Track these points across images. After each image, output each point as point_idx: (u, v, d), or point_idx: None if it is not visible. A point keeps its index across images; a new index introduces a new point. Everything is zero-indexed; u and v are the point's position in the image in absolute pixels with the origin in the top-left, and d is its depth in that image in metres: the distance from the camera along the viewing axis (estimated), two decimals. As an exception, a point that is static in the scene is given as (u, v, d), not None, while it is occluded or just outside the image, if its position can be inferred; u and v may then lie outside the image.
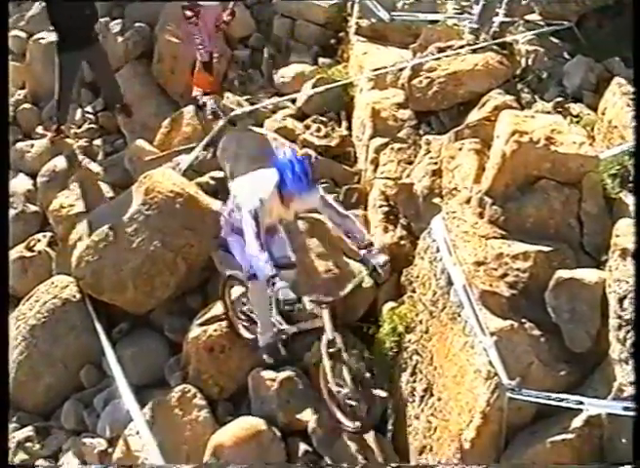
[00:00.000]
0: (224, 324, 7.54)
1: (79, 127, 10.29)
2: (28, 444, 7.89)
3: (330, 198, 7.08)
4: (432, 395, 6.58)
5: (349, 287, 7.05)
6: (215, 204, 8.18)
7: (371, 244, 6.91)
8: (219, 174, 8.56)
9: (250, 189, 6.90)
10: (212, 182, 8.54)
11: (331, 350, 6.79)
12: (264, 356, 7.32)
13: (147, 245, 7.97)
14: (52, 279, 8.40)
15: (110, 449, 7.63)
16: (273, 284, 6.57)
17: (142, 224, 8.04)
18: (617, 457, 5.73)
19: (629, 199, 6.59)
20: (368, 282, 7.24)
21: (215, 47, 9.49)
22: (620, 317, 5.77)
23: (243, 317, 7.53)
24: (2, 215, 6.58)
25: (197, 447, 7.27)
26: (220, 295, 7.59)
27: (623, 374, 5.68)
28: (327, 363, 6.83)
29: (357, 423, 6.81)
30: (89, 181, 9.18)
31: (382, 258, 6.85)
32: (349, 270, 7.60)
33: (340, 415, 6.88)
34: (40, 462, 7.69)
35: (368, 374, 6.83)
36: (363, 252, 6.88)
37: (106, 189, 9.24)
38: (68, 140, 9.98)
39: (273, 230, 7.06)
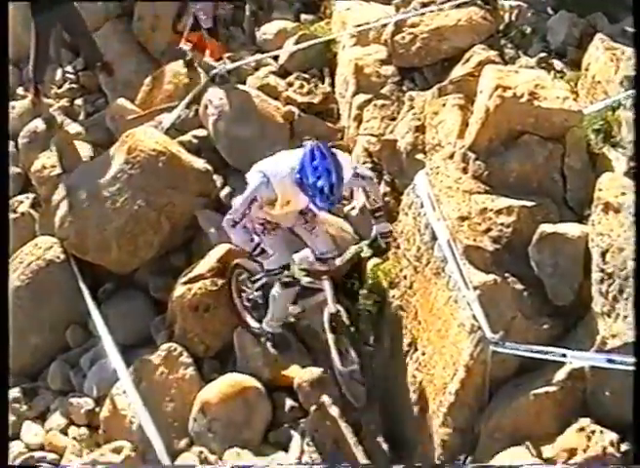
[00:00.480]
0: (209, 282, 7.54)
1: (60, 87, 10.20)
2: (16, 405, 7.91)
3: (360, 169, 6.89)
4: (416, 349, 6.61)
5: (347, 255, 6.91)
6: (197, 162, 8.16)
7: (379, 209, 6.82)
8: (201, 132, 8.52)
9: (263, 164, 6.70)
10: (194, 141, 8.49)
11: (334, 323, 6.72)
12: (269, 345, 7.28)
13: (131, 204, 7.95)
14: (35, 240, 8.39)
15: (97, 409, 7.69)
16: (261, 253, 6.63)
17: (125, 184, 8.01)
18: (599, 411, 5.78)
19: (612, 154, 6.60)
20: (367, 252, 6.99)
21: (215, 10, 9.30)
22: (602, 270, 5.78)
23: (248, 304, 7.47)
24: (2, 213, 6.57)
25: (184, 404, 7.33)
26: (227, 282, 7.53)
27: (606, 328, 5.71)
28: (330, 337, 6.78)
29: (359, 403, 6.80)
30: (68, 142, 9.11)
31: (385, 227, 6.80)
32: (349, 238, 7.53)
33: (349, 395, 6.85)
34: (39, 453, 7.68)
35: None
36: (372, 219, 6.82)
37: (88, 149, 9.17)
38: (49, 101, 9.90)
39: (303, 215, 6.96)
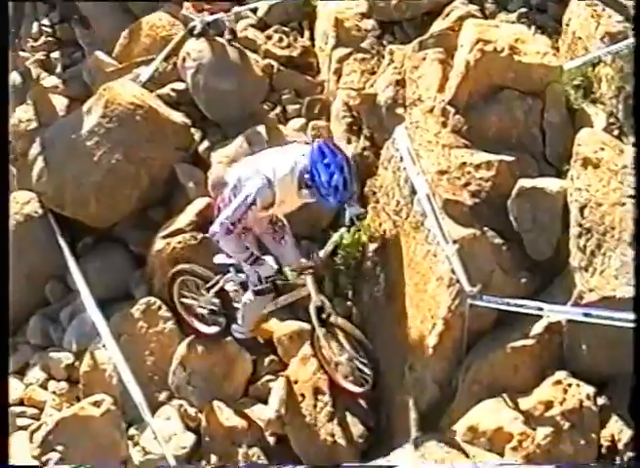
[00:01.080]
0: (188, 236, 7.51)
1: (36, 40, 10.03)
2: (-6, 359, 7.90)
3: None
4: (395, 303, 6.65)
5: (329, 247, 6.77)
6: (176, 116, 8.09)
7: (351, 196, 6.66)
8: (179, 85, 8.41)
9: (258, 164, 6.44)
10: (172, 94, 8.37)
11: (322, 316, 6.60)
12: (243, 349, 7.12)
13: (109, 158, 7.87)
14: (13, 195, 8.30)
15: (77, 363, 7.67)
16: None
17: (103, 137, 7.92)
18: (576, 364, 5.86)
19: (592, 109, 6.61)
20: (347, 237, 6.96)
21: None
22: (580, 225, 5.83)
23: (202, 312, 7.19)
24: (2, 211, 6.52)
25: (163, 358, 7.35)
26: (167, 290, 7.29)
27: (583, 282, 5.76)
28: (320, 331, 6.66)
29: (366, 387, 6.71)
30: (44, 96, 9.00)
31: (358, 210, 6.75)
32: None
33: (345, 384, 6.80)
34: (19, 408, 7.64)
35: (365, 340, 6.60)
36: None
37: (65, 103, 9.05)
38: (25, 54, 9.76)
39: (273, 224, 6.78)
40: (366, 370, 6.57)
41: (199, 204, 7.67)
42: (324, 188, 6.20)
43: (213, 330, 7.17)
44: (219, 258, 6.81)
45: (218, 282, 6.89)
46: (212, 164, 7.83)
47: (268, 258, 6.65)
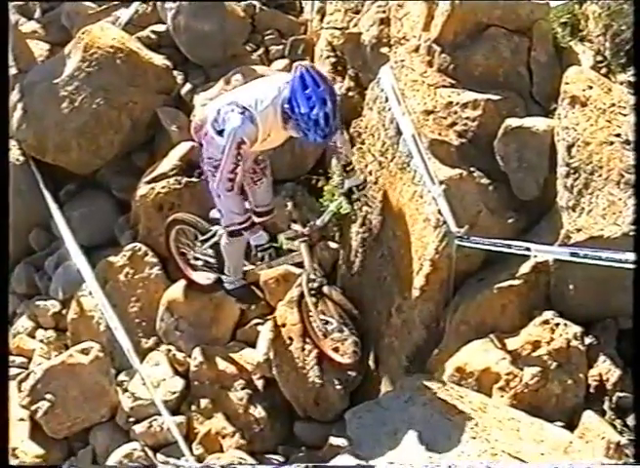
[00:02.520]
0: (172, 180, 7.44)
1: (13, -17, 9.83)
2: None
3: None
4: (382, 245, 6.62)
5: (326, 216, 6.59)
6: (157, 58, 7.96)
7: (350, 163, 6.49)
8: (160, 27, 8.27)
9: (239, 95, 6.07)
10: (153, 36, 8.24)
11: (312, 285, 6.50)
12: (235, 301, 6.97)
13: (89, 103, 7.76)
14: (-7, 142, 8.20)
15: (64, 311, 7.68)
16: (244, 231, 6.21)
17: (83, 82, 7.81)
18: (563, 304, 5.85)
19: (579, 47, 6.51)
20: (346, 208, 6.69)
21: None
22: (568, 165, 5.76)
23: (197, 263, 7.07)
24: (2, 209, 6.42)
25: (150, 304, 7.36)
26: (164, 239, 7.19)
27: (570, 222, 5.72)
28: (309, 300, 6.56)
29: (351, 359, 6.68)
30: (23, 42, 8.82)
31: (359, 180, 6.54)
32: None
33: (333, 355, 6.70)
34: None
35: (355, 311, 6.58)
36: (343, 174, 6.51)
37: (44, 48, 8.89)
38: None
39: (256, 165, 6.51)
40: (354, 341, 6.54)
41: (183, 148, 7.58)
42: (303, 122, 5.83)
43: (206, 281, 7.10)
44: (215, 213, 6.66)
45: (214, 235, 6.75)
46: (195, 107, 7.71)
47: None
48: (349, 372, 6.70)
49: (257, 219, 6.44)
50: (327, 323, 6.63)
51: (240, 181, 6.09)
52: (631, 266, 5.20)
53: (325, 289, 6.54)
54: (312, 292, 6.53)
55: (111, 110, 7.78)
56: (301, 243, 6.44)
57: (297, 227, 6.52)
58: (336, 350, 6.72)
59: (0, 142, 6.50)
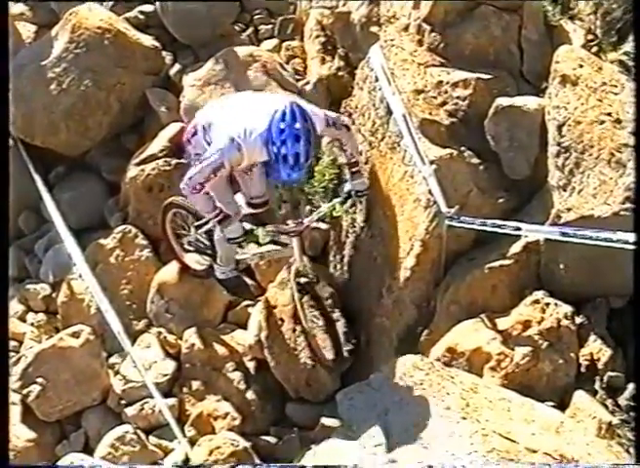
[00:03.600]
0: (161, 162, 7.40)
1: (0, -34, 9.72)
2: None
3: (332, 116, 6.18)
4: (372, 225, 6.60)
5: (316, 215, 6.44)
6: (145, 39, 7.89)
7: (356, 163, 6.28)
8: (148, 7, 8.17)
9: (230, 120, 5.92)
10: (141, 17, 8.15)
11: (301, 280, 6.38)
12: (223, 288, 6.92)
13: (78, 85, 7.71)
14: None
15: (54, 294, 7.64)
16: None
17: (71, 64, 7.75)
18: (554, 284, 5.84)
19: (570, 26, 6.47)
20: (339, 210, 6.54)
21: None
22: (559, 144, 5.74)
23: (191, 248, 6.98)
24: (2, 216, 6.37)
25: (141, 286, 7.34)
26: (160, 222, 7.09)
27: (561, 201, 5.70)
28: (297, 296, 6.41)
29: (334, 356, 6.53)
30: (10, 24, 8.71)
31: (362, 185, 6.29)
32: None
33: (319, 352, 6.56)
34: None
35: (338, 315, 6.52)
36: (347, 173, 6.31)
37: (33, 30, 8.78)
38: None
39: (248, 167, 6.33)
40: (342, 341, 6.49)
41: (172, 129, 7.55)
42: (274, 155, 5.67)
43: (198, 266, 7.05)
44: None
45: (208, 222, 6.52)
46: (184, 87, 7.64)
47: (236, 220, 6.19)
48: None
49: (251, 211, 6.41)
50: (313, 320, 6.53)
51: (207, 189, 5.99)
52: (629, 247, 5.19)
53: (318, 288, 6.45)
54: (299, 287, 6.40)
55: (99, 92, 7.72)
56: (292, 237, 6.34)
57: (286, 226, 6.35)
58: (323, 347, 6.58)
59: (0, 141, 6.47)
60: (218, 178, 5.93)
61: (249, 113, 5.92)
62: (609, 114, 5.57)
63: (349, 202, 6.46)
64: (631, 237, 5.18)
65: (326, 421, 6.23)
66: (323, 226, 7.08)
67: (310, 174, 6.81)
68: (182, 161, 7.36)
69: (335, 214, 6.63)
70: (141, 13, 8.20)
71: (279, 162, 5.67)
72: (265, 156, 5.78)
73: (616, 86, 5.68)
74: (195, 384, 6.92)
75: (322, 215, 6.55)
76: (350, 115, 7.02)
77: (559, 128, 5.74)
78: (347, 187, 6.36)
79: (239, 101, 6.20)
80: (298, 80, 7.58)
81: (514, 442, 4.98)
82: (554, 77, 5.90)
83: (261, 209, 6.61)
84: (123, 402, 6.99)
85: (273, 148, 5.66)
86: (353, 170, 6.30)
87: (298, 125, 5.64)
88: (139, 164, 7.49)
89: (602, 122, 5.57)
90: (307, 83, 7.53)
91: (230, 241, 6.21)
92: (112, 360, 7.17)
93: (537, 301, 5.77)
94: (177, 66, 7.94)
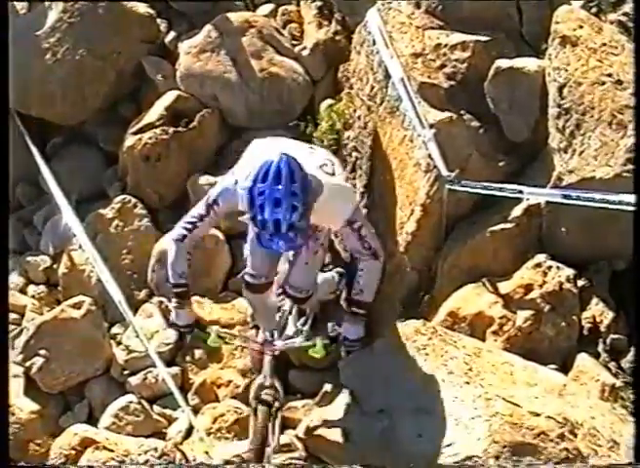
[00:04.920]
0: (159, 131, 7.34)
1: None
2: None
3: (367, 229, 5.37)
4: (372, 191, 6.56)
5: (293, 344, 5.88)
6: (139, 6, 7.80)
7: (363, 304, 5.46)
8: (142, -26, 8.10)
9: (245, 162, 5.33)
10: (135, -17, 8.08)
11: (262, 397, 5.76)
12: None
13: (72, 54, 7.61)
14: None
15: (55, 266, 7.61)
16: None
17: (65, 33, 7.65)
18: (556, 247, 5.81)
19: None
20: (318, 351, 5.63)
21: None
22: (559, 106, 5.67)
23: None
24: (2, 214, 6.31)
25: (141, 256, 7.29)
26: None
27: (562, 163, 5.65)
28: (253, 411, 5.81)
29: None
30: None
31: (357, 334, 5.49)
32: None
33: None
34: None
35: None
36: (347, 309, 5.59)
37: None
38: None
39: None
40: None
41: (169, 97, 7.48)
42: (254, 220, 4.89)
43: None
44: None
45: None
46: (180, 55, 7.58)
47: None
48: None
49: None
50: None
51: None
52: (627, 208, 5.15)
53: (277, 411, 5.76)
54: (259, 402, 5.74)
55: (95, 61, 7.64)
56: (266, 355, 5.82)
57: (254, 341, 5.94)
58: None
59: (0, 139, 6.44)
60: (205, 226, 5.38)
61: (256, 156, 5.25)
62: (609, 75, 5.50)
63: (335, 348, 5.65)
64: (632, 199, 5.15)
65: (328, 388, 6.23)
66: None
67: (309, 141, 6.73)
68: (180, 129, 7.35)
69: (312, 353, 5.65)
70: (135, -21, 8.10)
71: (259, 228, 4.89)
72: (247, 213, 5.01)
73: (616, 47, 5.60)
74: (198, 353, 6.90)
75: (295, 347, 5.91)
76: (348, 79, 6.97)
77: (559, 89, 5.67)
78: (340, 329, 5.59)
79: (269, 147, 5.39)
80: (294, 45, 7.51)
81: (517, 406, 4.98)
82: (554, 38, 5.83)
83: (259, 293, 5.93)
84: (126, 372, 6.98)
85: (253, 209, 4.86)
86: (355, 310, 5.47)
87: (280, 187, 4.80)
88: (136, 133, 7.42)
89: (603, 83, 5.50)
90: (304, 48, 7.46)
91: (173, 326, 5.70)
92: (114, 330, 7.16)
93: (538, 265, 5.74)
94: (172, 34, 7.85)
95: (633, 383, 5.21)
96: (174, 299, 5.60)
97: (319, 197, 5.01)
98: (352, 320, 5.50)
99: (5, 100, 6.75)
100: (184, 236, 5.37)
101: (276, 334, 6.00)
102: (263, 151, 5.23)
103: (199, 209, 5.35)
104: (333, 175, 5.26)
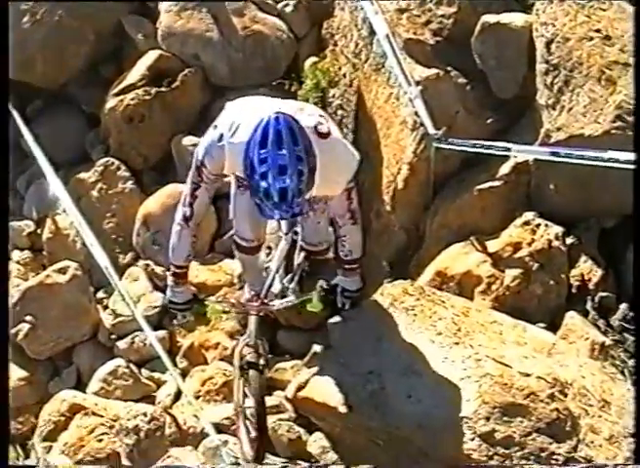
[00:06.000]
0: (141, 91, 7.22)
1: None
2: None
3: (355, 191, 5.16)
4: (358, 149, 6.46)
5: (288, 302, 5.66)
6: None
7: (353, 262, 5.32)
8: None
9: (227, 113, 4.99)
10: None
11: (247, 358, 5.58)
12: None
13: (50, 16, 7.44)
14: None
15: (39, 231, 7.54)
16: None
17: (43, -6, 7.51)
18: (544, 205, 5.77)
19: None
20: (315, 305, 5.55)
21: None
22: (547, 62, 5.60)
23: None
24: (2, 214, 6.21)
25: (126, 219, 7.23)
26: None
27: (551, 120, 5.60)
28: (237, 372, 5.71)
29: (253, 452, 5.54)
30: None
31: (354, 284, 5.40)
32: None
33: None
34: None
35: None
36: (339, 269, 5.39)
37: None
38: None
39: None
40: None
41: (150, 57, 7.33)
42: (254, 189, 4.54)
43: None
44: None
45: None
46: (160, 13, 7.43)
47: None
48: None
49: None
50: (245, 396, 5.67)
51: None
52: (621, 166, 5.10)
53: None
54: (245, 365, 5.59)
55: (74, 21, 7.47)
56: (251, 314, 5.67)
57: (246, 304, 5.69)
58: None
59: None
60: (204, 196, 5.07)
61: (243, 110, 4.90)
62: (598, 31, 5.43)
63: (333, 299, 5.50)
64: (622, 155, 5.09)
65: (317, 348, 6.20)
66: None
67: (294, 97, 6.63)
68: (163, 89, 7.24)
69: (310, 307, 5.58)
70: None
71: (260, 198, 4.52)
72: (242, 174, 4.69)
73: (604, 2, 5.52)
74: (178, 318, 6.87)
75: (292, 305, 5.69)
76: (332, 36, 6.87)
77: (547, 45, 5.60)
78: (335, 280, 5.45)
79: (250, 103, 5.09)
80: (277, 2, 7.37)
81: (507, 366, 4.96)
82: (542, -8, 5.75)
83: (249, 255, 5.73)
84: (113, 336, 6.97)
85: (253, 177, 4.49)
86: (347, 267, 5.36)
87: (283, 151, 4.43)
88: (117, 94, 7.30)
89: (591, 39, 5.43)
90: (287, 5, 7.32)
91: (170, 305, 5.44)
92: (100, 294, 7.13)
93: (527, 223, 5.71)
94: (152, -8, 7.71)
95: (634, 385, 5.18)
96: (171, 278, 5.37)
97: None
98: (348, 273, 5.39)
99: (5, 100, 6.68)
100: (188, 218, 5.11)
101: (263, 293, 5.70)
102: (249, 107, 4.90)
103: (191, 176, 5.06)
104: (328, 134, 4.86)
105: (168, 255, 6.25)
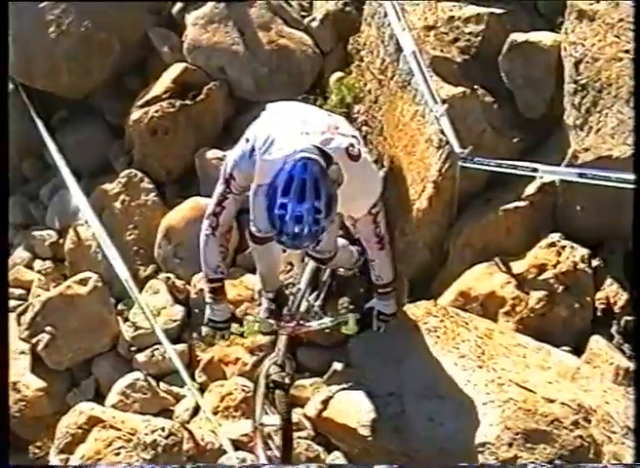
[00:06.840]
0: (166, 104, 7.21)
1: None
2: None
3: (382, 214, 5.14)
4: (383, 166, 6.45)
5: (325, 324, 5.58)
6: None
7: (389, 284, 5.32)
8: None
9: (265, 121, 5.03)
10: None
11: (274, 378, 5.59)
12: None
13: (77, 26, 7.44)
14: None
15: (61, 241, 7.52)
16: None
17: (70, 4, 7.47)
18: (570, 226, 5.73)
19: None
20: (351, 328, 5.46)
21: None
22: (575, 82, 5.56)
23: None
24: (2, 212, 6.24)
25: (148, 231, 7.20)
26: None
27: (578, 141, 5.54)
28: (261, 390, 5.70)
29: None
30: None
31: (389, 308, 5.35)
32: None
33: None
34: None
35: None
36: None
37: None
38: None
39: None
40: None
41: (175, 69, 7.32)
42: (271, 223, 4.58)
43: None
44: None
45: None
46: (187, 26, 7.43)
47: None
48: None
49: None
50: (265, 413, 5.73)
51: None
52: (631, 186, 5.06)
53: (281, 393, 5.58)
54: (270, 384, 5.60)
55: (100, 33, 7.48)
56: (281, 334, 5.65)
57: (282, 323, 5.61)
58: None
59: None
60: (231, 206, 5.10)
61: (280, 124, 4.89)
62: (627, 51, 5.36)
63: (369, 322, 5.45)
64: (629, 176, 5.04)
65: (337, 366, 6.16)
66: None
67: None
68: (187, 102, 7.23)
69: (344, 330, 5.50)
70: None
71: (275, 232, 4.58)
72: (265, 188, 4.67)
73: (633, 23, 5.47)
74: (205, 329, 6.83)
75: (327, 327, 5.63)
76: (358, 52, 6.84)
77: (576, 65, 5.55)
78: (371, 303, 5.43)
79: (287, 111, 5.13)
80: (303, 16, 7.36)
81: (531, 391, 4.92)
82: (570, 12, 5.69)
83: (263, 243, 5.49)
84: (133, 348, 6.94)
85: (270, 218, 4.55)
86: (380, 291, 5.34)
87: (305, 205, 4.44)
88: (142, 106, 7.30)
89: (620, 59, 5.37)
90: (313, 19, 7.31)
91: (210, 322, 5.43)
92: (121, 306, 7.10)
93: (552, 244, 5.66)
94: (179, 5, 7.66)
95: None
96: (209, 295, 5.37)
97: (343, 186, 4.68)
98: (382, 297, 5.37)
99: (5, 99, 6.67)
100: (214, 228, 5.16)
101: (292, 310, 5.75)
102: (285, 122, 4.88)
103: (219, 187, 5.08)
104: (359, 156, 4.82)
105: (189, 269, 6.31)
